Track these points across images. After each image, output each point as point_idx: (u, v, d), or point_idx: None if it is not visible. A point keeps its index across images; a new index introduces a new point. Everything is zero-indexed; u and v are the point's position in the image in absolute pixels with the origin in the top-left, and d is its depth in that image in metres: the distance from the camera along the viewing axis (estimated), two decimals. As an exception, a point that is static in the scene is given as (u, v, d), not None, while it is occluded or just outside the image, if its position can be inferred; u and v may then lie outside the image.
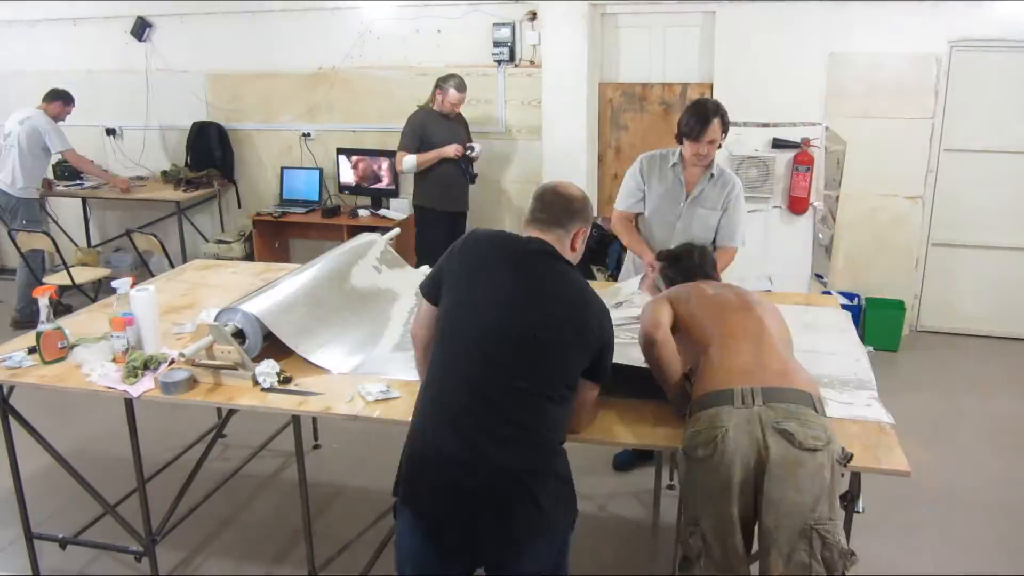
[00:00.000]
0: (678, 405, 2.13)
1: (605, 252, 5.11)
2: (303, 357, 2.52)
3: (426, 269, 3.38)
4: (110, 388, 2.42)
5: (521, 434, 1.80)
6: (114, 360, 2.55)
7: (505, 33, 5.47)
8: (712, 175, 3.20)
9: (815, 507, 1.79)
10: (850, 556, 1.83)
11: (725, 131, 3.12)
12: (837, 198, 5.10)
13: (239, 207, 6.41)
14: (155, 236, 5.20)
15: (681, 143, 3.16)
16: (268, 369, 2.42)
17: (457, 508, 1.78)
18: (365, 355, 2.62)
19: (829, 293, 4.97)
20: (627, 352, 2.35)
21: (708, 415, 1.89)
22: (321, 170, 6.05)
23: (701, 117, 3.05)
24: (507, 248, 1.96)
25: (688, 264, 2.54)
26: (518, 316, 1.85)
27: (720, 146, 3.17)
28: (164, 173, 6.32)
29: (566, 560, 1.94)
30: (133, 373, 2.45)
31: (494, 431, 1.78)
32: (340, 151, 5.95)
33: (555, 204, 1.99)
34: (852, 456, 1.87)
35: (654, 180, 3.28)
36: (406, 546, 1.90)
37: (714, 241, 3.23)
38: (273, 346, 2.54)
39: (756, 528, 1.88)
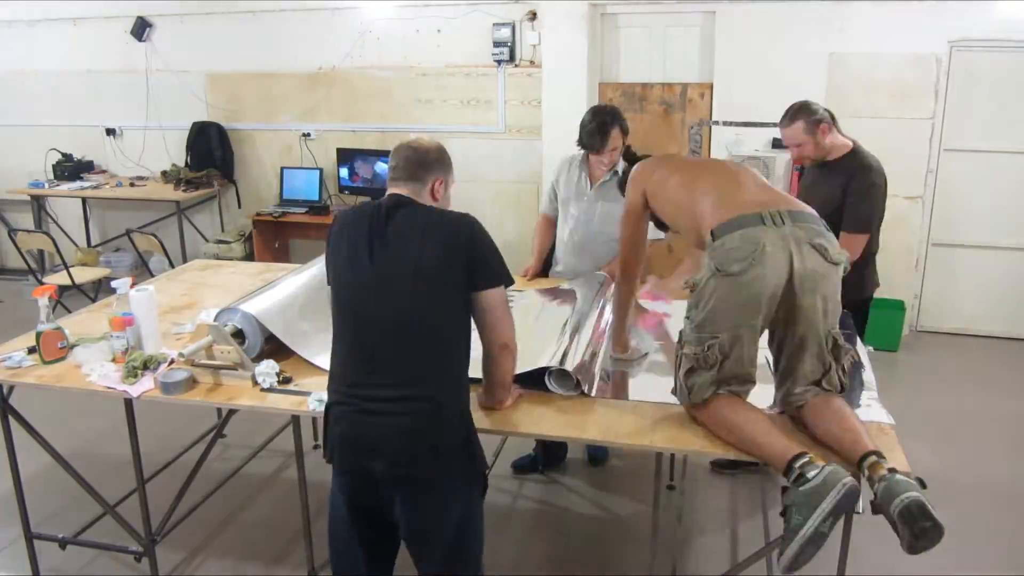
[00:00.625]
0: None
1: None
2: (301, 356, 2.52)
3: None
4: (110, 388, 2.42)
5: (411, 394, 1.88)
6: (114, 360, 2.55)
7: (505, 33, 5.47)
8: (616, 171, 3.26)
9: (835, 313, 2.04)
10: (854, 353, 2.13)
11: (625, 134, 3.18)
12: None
13: (239, 207, 6.41)
14: (155, 236, 5.20)
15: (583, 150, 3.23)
16: (268, 369, 2.42)
17: (362, 461, 1.93)
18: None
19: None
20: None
21: (742, 234, 1.97)
22: (321, 170, 6.05)
23: (601, 129, 3.10)
24: (359, 216, 2.01)
25: None
26: (379, 271, 1.91)
27: (622, 149, 3.22)
28: (164, 173, 6.32)
29: (472, 525, 2.01)
30: (133, 373, 2.45)
31: (385, 396, 1.88)
32: (340, 151, 5.96)
33: (411, 159, 2.03)
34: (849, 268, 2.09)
35: (563, 179, 3.38)
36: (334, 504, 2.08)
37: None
38: (273, 346, 2.54)
39: (778, 341, 2.07)
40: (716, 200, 2.13)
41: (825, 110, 3.13)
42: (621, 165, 3.27)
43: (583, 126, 3.18)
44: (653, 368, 2.61)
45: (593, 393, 2.31)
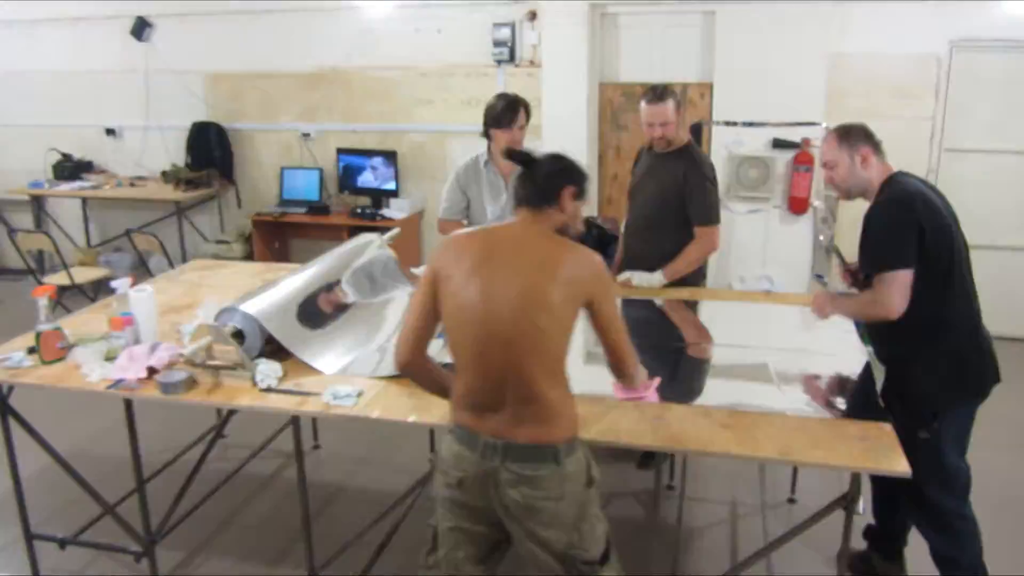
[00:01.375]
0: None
1: (604, 252, 5.10)
2: (300, 359, 2.52)
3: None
4: (109, 379, 2.42)
5: None
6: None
7: (505, 33, 5.47)
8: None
9: (559, 539, 1.86)
10: (605, 560, 1.92)
11: (528, 117, 3.27)
12: (837, 198, 5.10)
13: (239, 207, 6.41)
14: (155, 236, 5.20)
15: (490, 136, 3.26)
16: (269, 370, 2.42)
17: None
18: (354, 356, 2.62)
19: (829, 293, 4.97)
20: None
21: (455, 452, 1.91)
22: (321, 170, 6.05)
23: (510, 104, 3.19)
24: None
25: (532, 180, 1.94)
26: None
27: (526, 128, 3.28)
28: (164, 173, 6.31)
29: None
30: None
31: None
32: (340, 151, 5.96)
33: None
34: (595, 478, 1.91)
35: (472, 185, 3.37)
36: None
37: None
38: (274, 347, 2.54)
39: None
40: (468, 386, 1.89)
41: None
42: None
43: (490, 109, 3.24)
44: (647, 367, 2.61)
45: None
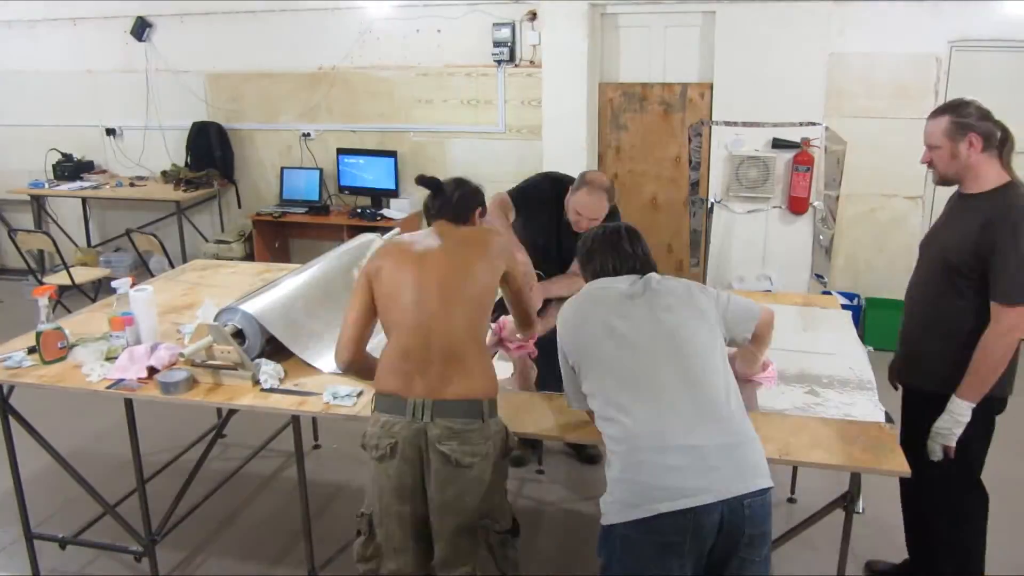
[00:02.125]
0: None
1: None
2: (301, 359, 2.52)
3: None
4: (110, 378, 2.42)
5: None
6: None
7: (505, 33, 5.47)
8: None
9: (477, 507, 2.01)
10: (516, 534, 2.10)
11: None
12: (837, 198, 5.10)
13: (239, 207, 6.41)
14: (155, 236, 5.20)
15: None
16: (272, 371, 2.42)
17: None
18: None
19: (829, 293, 4.97)
20: None
21: (384, 420, 2.01)
22: (321, 170, 6.05)
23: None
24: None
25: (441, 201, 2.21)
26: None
27: None
28: (164, 173, 6.32)
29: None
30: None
31: None
32: (340, 151, 5.96)
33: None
34: (513, 448, 2.07)
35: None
36: None
37: None
38: (274, 347, 2.55)
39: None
40: (394, 352, 2.04)
41: (996, 124, 2.29)
42: None
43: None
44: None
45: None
